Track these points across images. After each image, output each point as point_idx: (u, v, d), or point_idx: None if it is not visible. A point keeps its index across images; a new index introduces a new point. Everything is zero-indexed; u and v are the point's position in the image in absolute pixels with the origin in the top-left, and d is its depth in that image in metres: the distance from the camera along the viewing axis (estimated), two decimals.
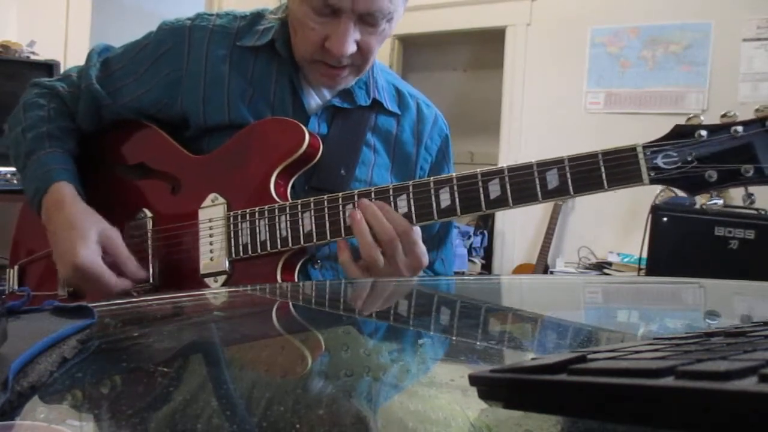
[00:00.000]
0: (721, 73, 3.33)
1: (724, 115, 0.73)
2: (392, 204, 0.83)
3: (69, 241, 0.88)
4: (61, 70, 2.61)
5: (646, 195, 2.94)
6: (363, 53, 0.91)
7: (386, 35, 0.92)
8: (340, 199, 0.86)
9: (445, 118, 1.11)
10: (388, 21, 0.89)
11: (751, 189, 0.74)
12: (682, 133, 0.74)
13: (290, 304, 0.72)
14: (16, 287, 1.07)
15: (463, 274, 3.48)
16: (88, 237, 0.88)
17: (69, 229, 0.89)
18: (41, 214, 0.95)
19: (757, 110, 0.72)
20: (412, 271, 0.85)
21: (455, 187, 0.81)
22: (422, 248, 0.85)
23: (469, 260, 3.97)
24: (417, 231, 0.84)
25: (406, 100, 1.06)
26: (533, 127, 3.80)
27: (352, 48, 0.88)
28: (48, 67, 2.64)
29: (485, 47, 4.57)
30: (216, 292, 0.86)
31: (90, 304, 0.46)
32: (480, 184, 0.80)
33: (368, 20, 0.87)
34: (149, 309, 0.64)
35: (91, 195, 0.97)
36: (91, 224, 0.90)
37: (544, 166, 0.78)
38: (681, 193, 0.80)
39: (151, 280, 0.95)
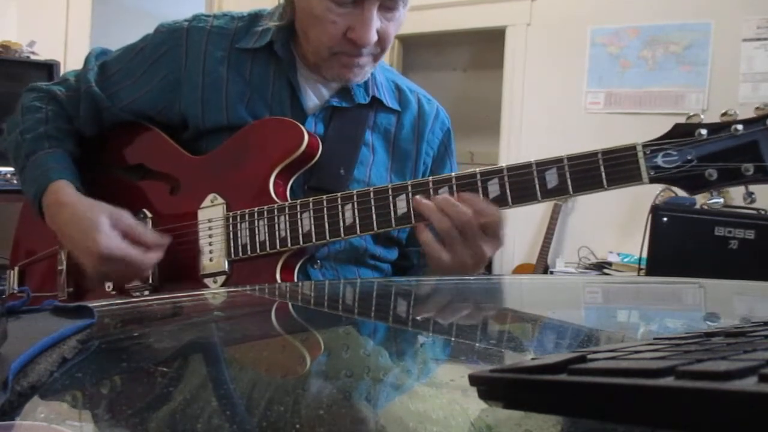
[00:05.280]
0: (721, 73, 3.32)
1: (724, 114, 0.73)
2: (391, 204, 0.83)
3: (84, 235, 0.87)
4: (62, 71, 2.61)
5: (646, 195, 2.93)
6: (381, 41, 0.91)
7: (401, 22, 0.93)
8: (339, 199, 0.86)
9: None
10: (404, 5, 0.91)
11: (752, 188, 0.74)
12: (682, 132, 0.74)
13: (290, 304, 0.72)
14: (16, 288, 1.07)
15: None
16: (101, 224, 0.87)
17: (78, 223, 0.88)
18: (43, 215, 0.94)
19: (757, 109, 0.72)
20: (476, 259, 0.82)
21: (454, 187, 0.81)
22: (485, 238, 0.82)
23: None
24: (493, 221, 0.81)
25: (406, 96, 1.06)
26: (533, 127, 3.80)
27: (375, 36, 0.89)
28: (48, 68, 2.63)
29: (485, 47, 4.57)
30: (215, 292, 0.86)
31: (90, 304, 0.46)
32: (479, 183, 0.80)
33: (389, 5, 0.88)
34: (149, 309, 0.64)
35: (90, 196, 0.96)
36: (99, 211, 0.89)
37: (544, 165, 0.78)
38: (681, 193, 0.79)
39: (150, 281, 0.94)
